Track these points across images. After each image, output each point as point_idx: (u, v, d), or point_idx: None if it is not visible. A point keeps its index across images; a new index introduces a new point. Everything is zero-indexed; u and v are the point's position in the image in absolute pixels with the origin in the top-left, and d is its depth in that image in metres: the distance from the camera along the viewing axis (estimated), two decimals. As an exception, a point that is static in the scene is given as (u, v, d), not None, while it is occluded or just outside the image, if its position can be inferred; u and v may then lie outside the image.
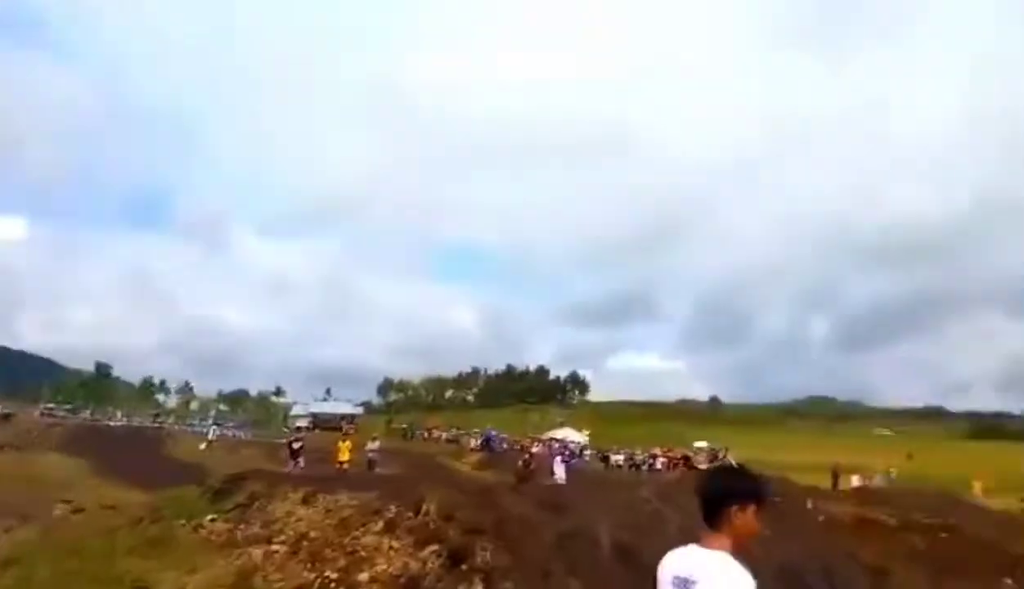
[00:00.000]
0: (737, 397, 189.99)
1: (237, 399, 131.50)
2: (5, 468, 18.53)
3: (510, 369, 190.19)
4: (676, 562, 2.76)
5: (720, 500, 2.77)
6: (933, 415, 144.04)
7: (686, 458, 37.53)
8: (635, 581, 8.45)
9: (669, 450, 41.00)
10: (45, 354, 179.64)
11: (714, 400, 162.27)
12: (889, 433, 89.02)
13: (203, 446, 37.21)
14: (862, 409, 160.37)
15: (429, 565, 8.51)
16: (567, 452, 37.67)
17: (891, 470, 31.35)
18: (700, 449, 43.07)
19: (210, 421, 70.26)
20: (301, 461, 23.68)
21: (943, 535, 13.66)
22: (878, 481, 26.44)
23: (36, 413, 59.67)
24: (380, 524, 9.76)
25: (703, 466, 35.07)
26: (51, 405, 68.53)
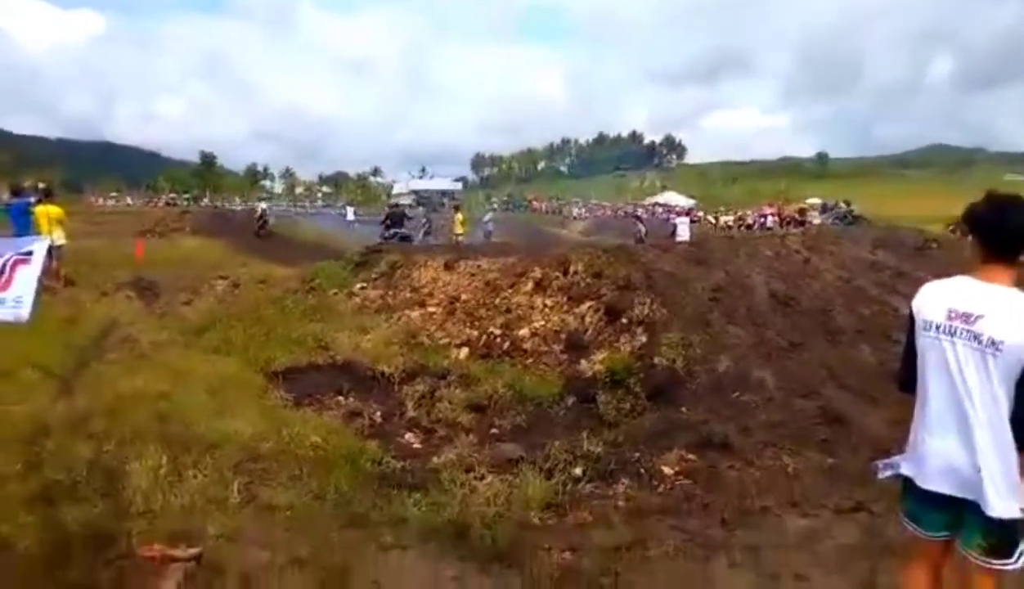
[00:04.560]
0: (846, 151, 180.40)
1: (338, 181, 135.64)
2: (158, 253, 20.11)
3: (602, 137, 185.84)
4: (949, 295, 2.46)
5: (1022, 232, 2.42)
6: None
7: (801, 212, 36.34)
8: (796, 326, 8.42)
9: (781, 208, 39.80)
10: (149, 147, 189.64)
11: (821, 155, 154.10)
12: (1021, 178, 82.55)
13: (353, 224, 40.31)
14: (987, 155, 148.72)
15: (587, 320, 8.72)
16: (690, 213, 37.60)
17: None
18: (813, 205, 41.66)
19: (320, 203, 73.70)
20: (430, 237, 24.63)
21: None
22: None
23: (161, 202, 63.94)
24: (529, 285, 9.98)
25: (817, 222, 34.03)
26: (173, 195, 72.98)
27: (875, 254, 11.42)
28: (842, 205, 35.16)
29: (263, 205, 36.77)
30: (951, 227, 24.62)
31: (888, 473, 2.66)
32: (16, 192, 14.14)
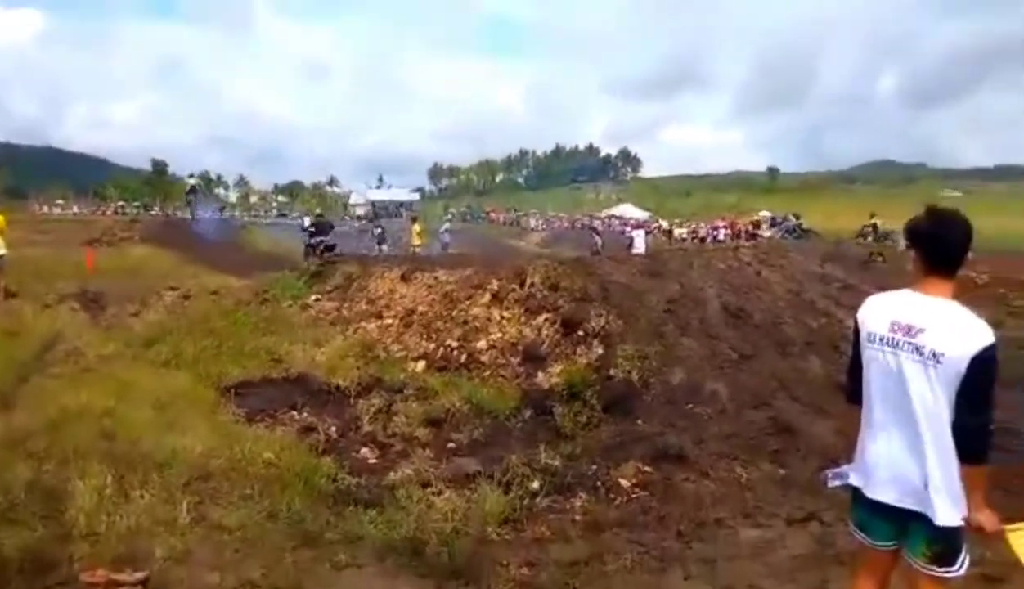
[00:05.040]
0: (795, 166, 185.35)
1: (293, 191, 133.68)
2: (106, 262, 19.48)
3: (559, 149, 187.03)
4: (892, 308, 2.53)
5: (963, 245, 2.50)
6: (1006, 174, 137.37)
7: (756, 225, 37.18)
8: (747, 338, 8.57)
9: (733, 221, 40.63)
10: (97, 153, 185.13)
11: (771, 170, 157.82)
12: (958, 194, 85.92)
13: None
14: (927, 171, 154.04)
15: (544, 332, 8.73)
16: (645, 225, 38.14)
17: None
18: (763, 218, 42.58)
19: (275, 212, 72.65)
20: (385, 246, 24.48)
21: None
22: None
23: (109, 211, 62.15)
24: (486, 297, 9.96)
25: (767, 235, 34.80)
26: (122, 203, 71.05)
27: (823, 267, 11.73)
28: (791, 219, 36.01)
29: (193, 181, 36.65)
30: (864, 228, 26.64)
31: (837, 483, 2.71)
32: (-47, 199, 13.59)
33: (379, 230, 27.16)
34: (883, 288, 2.66)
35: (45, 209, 60.55)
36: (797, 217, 35.86)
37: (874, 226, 27.40)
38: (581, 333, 8.40)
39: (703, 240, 36.99)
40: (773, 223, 38.47)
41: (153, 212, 65.40)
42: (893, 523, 2.51)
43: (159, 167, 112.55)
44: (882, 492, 2.51)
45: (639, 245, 22.07)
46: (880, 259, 12.40)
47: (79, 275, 15.75)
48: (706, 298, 9.50)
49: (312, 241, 21.02)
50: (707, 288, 9.83)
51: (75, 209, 64.02)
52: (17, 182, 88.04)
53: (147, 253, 23.55)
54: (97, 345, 8.71)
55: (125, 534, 3.87)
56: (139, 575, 3.45)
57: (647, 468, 5.45)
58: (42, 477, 4.44)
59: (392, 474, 5.40)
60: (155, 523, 4.01)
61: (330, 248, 20.09)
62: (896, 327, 2.45)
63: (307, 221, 25.40)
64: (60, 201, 70.01)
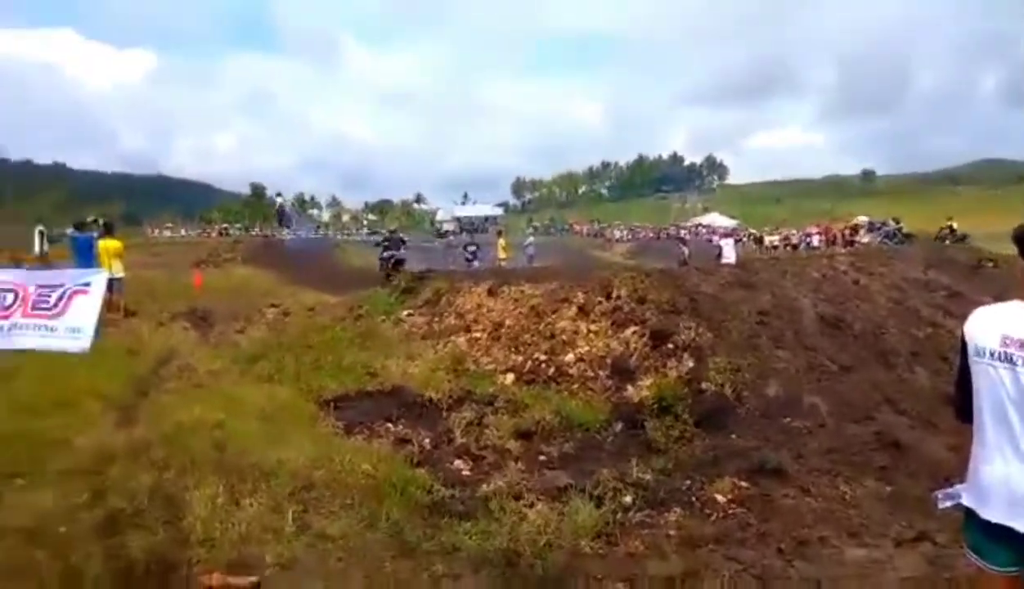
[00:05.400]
0: (893, 168, 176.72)
1: (383, 209, 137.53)
2: (212, 282, 20.69)
3: (641, 159, 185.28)
4: (1002, 320, 2.38)
5: None
6: None
7: (854, 230, 35.72)
8: (846, 349, 8.25)
9: (828, 227, 39.18)
10: (202, 179, 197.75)
11: (867, 172, 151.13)
12: (1078, 192, 79.88)
13: None
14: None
15: (633, 345, 8.67)
16: (734, 234, 37.30)
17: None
18: (860, 223, 40.80)
19: (365, 230, 75.02)
20: (477, 262, 24.89)
21: None
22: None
23: (214, 233, 65.82)
24: (572, 310, 9.98)
25: (866, 240, 33.35)
26: (226, 225, 75.01)
27: (927, 274, 11.15)
28: (891, 223, 34.35)
29: (280, 200, 38.80)
30: (941, 231, 25.46)
31: (948, 503, 2.57)
32: (79, 227, 14.79)
33: (473, 248, 27.46)
34: (997, 296, 2.54)
35: (156, 233, 64.76)
36: (897, 221, 34.15)
37: (951, 228, 27.22)
38: (671, 346, 8.30)
39: (795, 247, 35.83)
40: (871, 228, 36.79)
41: (253, 233, 68.83)
42: (1013, 548, 2.36)
43: (257, 190, 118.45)
44: (999, 514, 2.36)
45: (728, 254, 21.53)
46: (991, 264, 11.66)
47: (189, 294, 16.77)
48: (801, 308, 9.20)
49: (384, 255, 21.66)
50: (801, 298, 9.52)
51: (183, 232, 68.17)
52: (132, 209, 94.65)
53: (249, 273, 24.85)
54: (207, 361, 9.24)
55: (237, 540, 4.10)
56: (251, 580, 3.64)
57: (744, 483, 5.32)
58: (163, 485, 4.76)
59: (485, 486, 5.47)
60: (264, 530, 4.23)
61: (400, 262, 20.65)
62: (1009, 341, 2.32)
63: (384, 232, 26.05)
64: (170, 225, 74.56)
